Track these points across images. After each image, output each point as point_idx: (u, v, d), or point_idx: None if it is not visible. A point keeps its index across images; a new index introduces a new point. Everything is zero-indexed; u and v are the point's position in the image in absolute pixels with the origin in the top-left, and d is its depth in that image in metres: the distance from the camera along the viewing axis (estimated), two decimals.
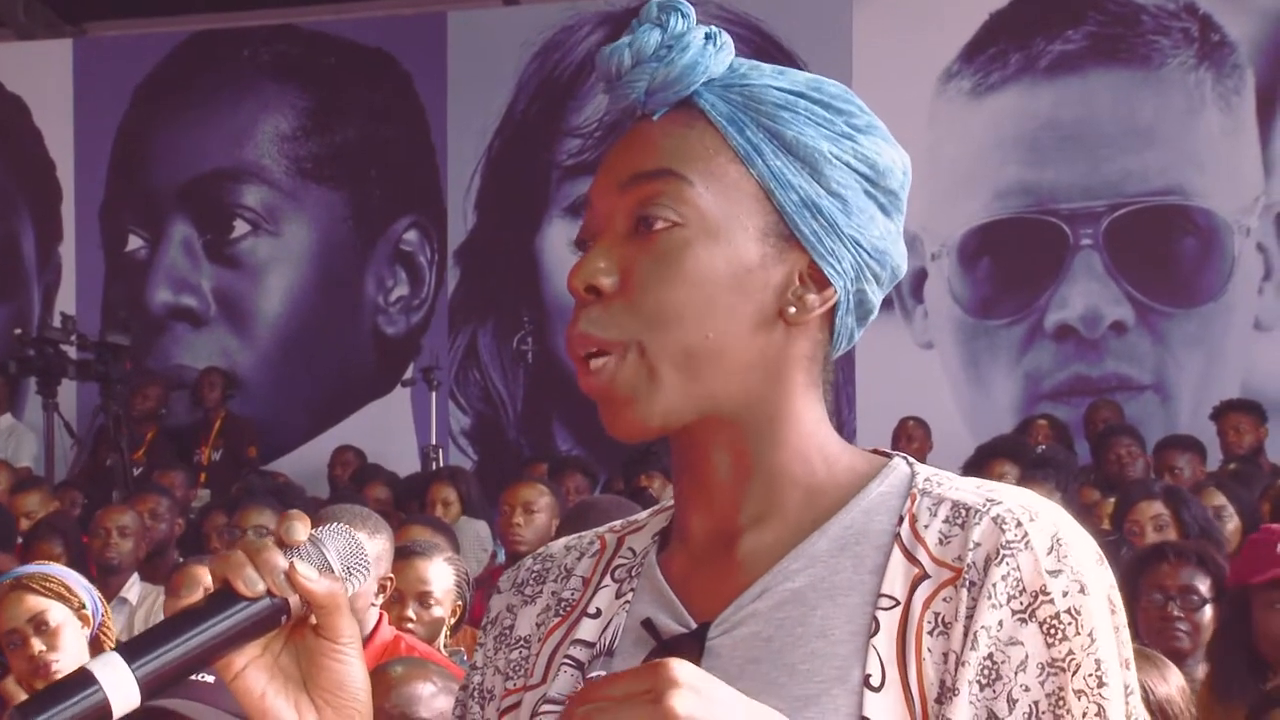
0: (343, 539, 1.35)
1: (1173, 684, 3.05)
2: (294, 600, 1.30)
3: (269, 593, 1.29)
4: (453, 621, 4.92)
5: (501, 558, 7.29)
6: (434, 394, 10.83)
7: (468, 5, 12.00)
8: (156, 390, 11.09)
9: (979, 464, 7.20)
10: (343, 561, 1.34)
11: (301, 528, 1.32)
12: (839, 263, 1.36)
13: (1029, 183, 10.79)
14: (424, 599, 4.81)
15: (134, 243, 12.34)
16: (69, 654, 4.12)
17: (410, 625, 4.74)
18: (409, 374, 11.39)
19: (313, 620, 1.33)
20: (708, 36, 1.37)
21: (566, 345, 1.37)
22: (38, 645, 4.12)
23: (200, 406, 11.31)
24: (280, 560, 1.30)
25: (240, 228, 12.13)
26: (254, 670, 1.33)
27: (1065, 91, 10.75)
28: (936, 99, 10.80)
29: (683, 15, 1.37)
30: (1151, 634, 4.39)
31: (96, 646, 4.23)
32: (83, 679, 1.25)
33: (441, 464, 10.19)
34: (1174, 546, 4.64)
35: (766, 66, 1.39)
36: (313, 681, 1.34)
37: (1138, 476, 7.88)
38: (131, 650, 1.27)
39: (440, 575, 4.87)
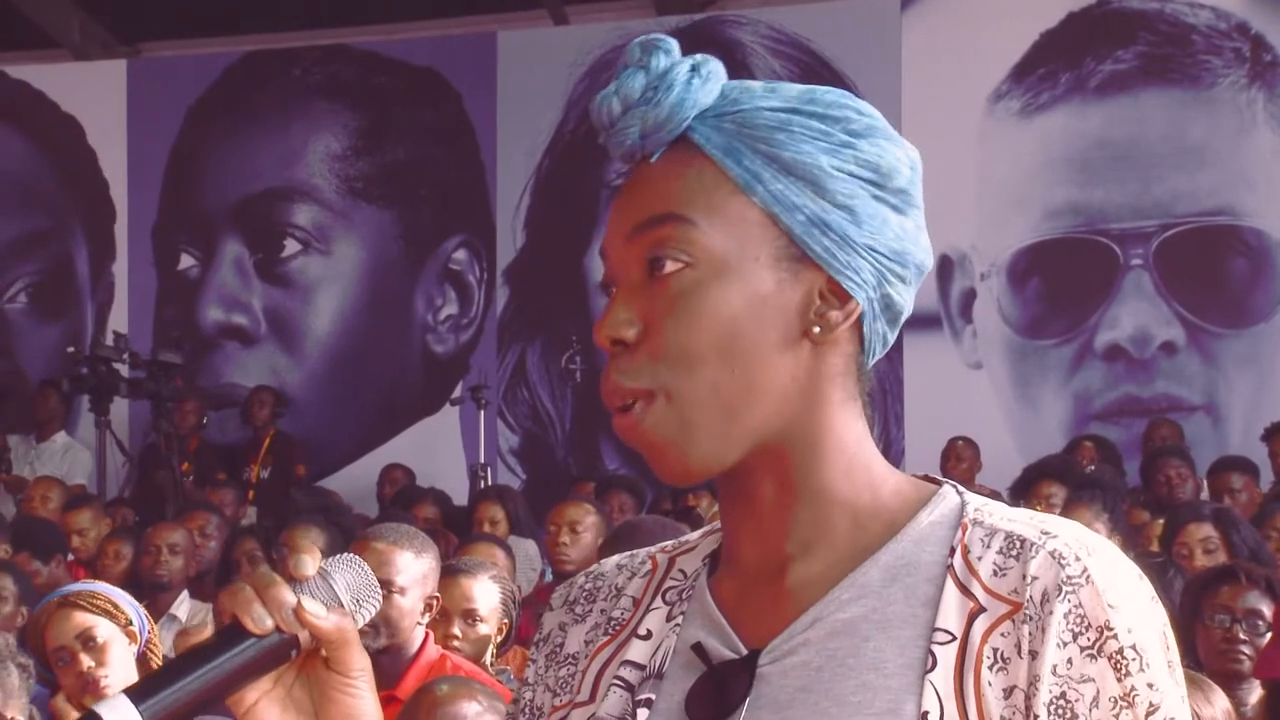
0: (352, 571, 1.35)
1: (1218, 707, 3.04)
2: (303, 635, 1.31)
3: (278, 628, 1.30)
4: (499, 640, 4.92)
5: (550, 577, 7.29)
6: (482, 413, 10.85)
7: (518, 25, 12.04)
8: (195, 406, 11.14)
9: (1027, 484, 7.17)
10: (352, 594, 1.34)
11: (309, 562, 1.33)
12: (857, 274, 1.35)
13: (1079, 203, 10.75)
14: (469, 617, 4.82)
15: (186, 261, 12.41)
16: (117, 670, 4.15)
17: (456, 643, 4.74)
18: (457, 393, 11.41)
19: (323, 654, 1.33)
20: (693, 69, 1.36)
21: (604, 398, 1.36)
22: (86, 661, 4.15)
23: (250, 425, 11.35)
24: (288, 596, 1.30)
25: (291, 247, 12.19)
26: (266, 704, 1.34)
27: (1115, 111, 10.72)
28: (986, 119, 10.78)
29: (665, 52, 1.36)
30: (1213, 655, 4.34)
31: (143, 663, 4.27)
32: None
33: (489, 483, 10.20)
34: (1244, 568, 4.58)
35: (756, 86, 1.38)
36: (324, 714, 1.34)
37: (1187, 498, 7.84)
38: (140, 692, 1.27)
39: (486, 593, 4.87)
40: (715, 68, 1.38)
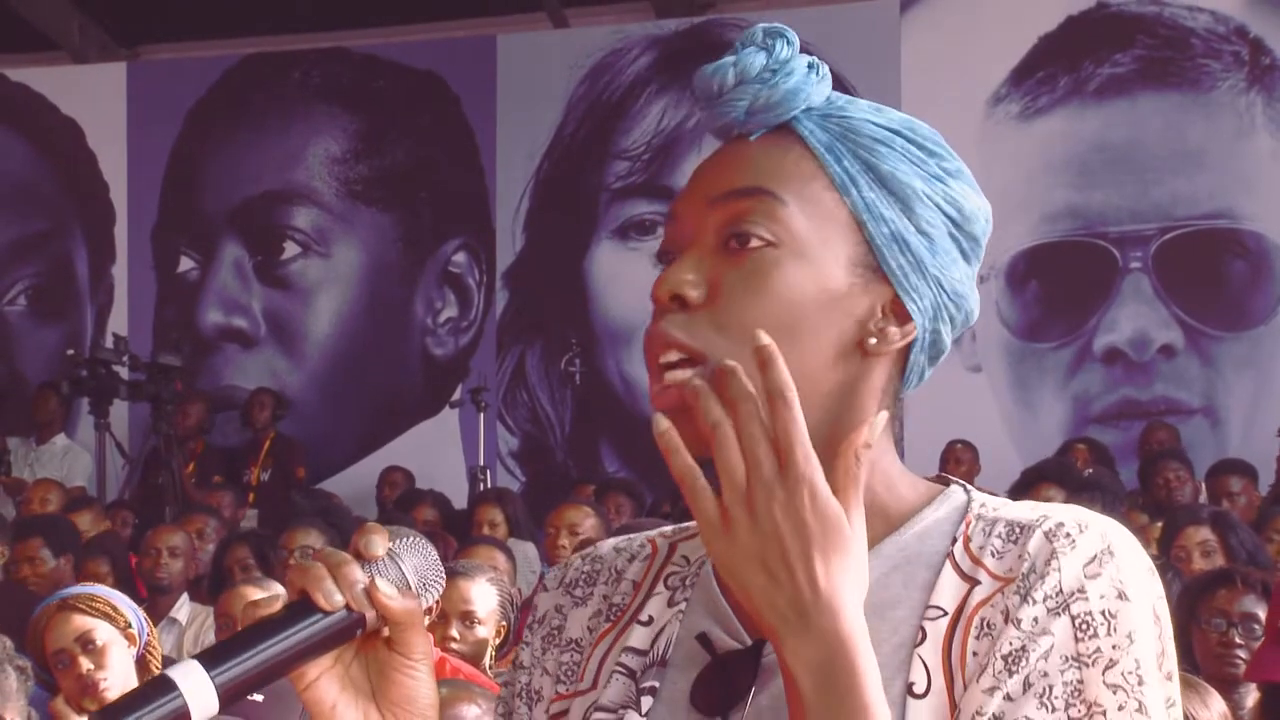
0: (419, 554, 1.36)
1: (1214, 710, 3.04)
2: (370, 615, 1.32)
3: (347, 606, 1.31)
4: (497, 643, 4.93)
5: None
6: (482, 415, 10.86)
7: (517, 28, 12.04)
8: (198, 408, 11.16)
9: (1025, 487, 7.16)
10: (419, 576, 1.35)
11: (380, 542, 1.33)
12: (921, 300, 1.37)
13: (1078, 206, 10.76)
14: (467, 619, 4.82)
15: (185, 264, 12.42)
16: (116, 673, 4.16)
17: (454, 645, 4.75)
18: (457, 395, 11.41)
19: (385, 634, 1.34)
20: (810, 66, 1.38)
21: (646, 344, 1.36)
22: (85, 664, 4.16)
23: (250, 427, 11.36)
24: (360, 575, 1.31)
25: (290, 249, 12.20)
26: (326, 681, 1.34)
27: (1114, 115, 10.72)
28: (985, 122, 10.78)
29: (788, 43, 1.38)
30: (1208, 659, 4.34)
31: (143, 666, 4.27)
32: (163, 685, 1.27)
33: (489, 485, 10.21)
34: (1240, 573, 4.58)
35: (863, 102, 1.40)
36: (383, 694, 1.35)
37: (1185, 501, 7.84)
38: (211, 658, 1.29)
39: (484, 595, 4.88)
40: (828, 73, 1.40)
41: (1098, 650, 1.26)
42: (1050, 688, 1.26)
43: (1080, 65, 10.77)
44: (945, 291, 1.38)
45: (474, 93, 11.90)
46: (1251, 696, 4.21)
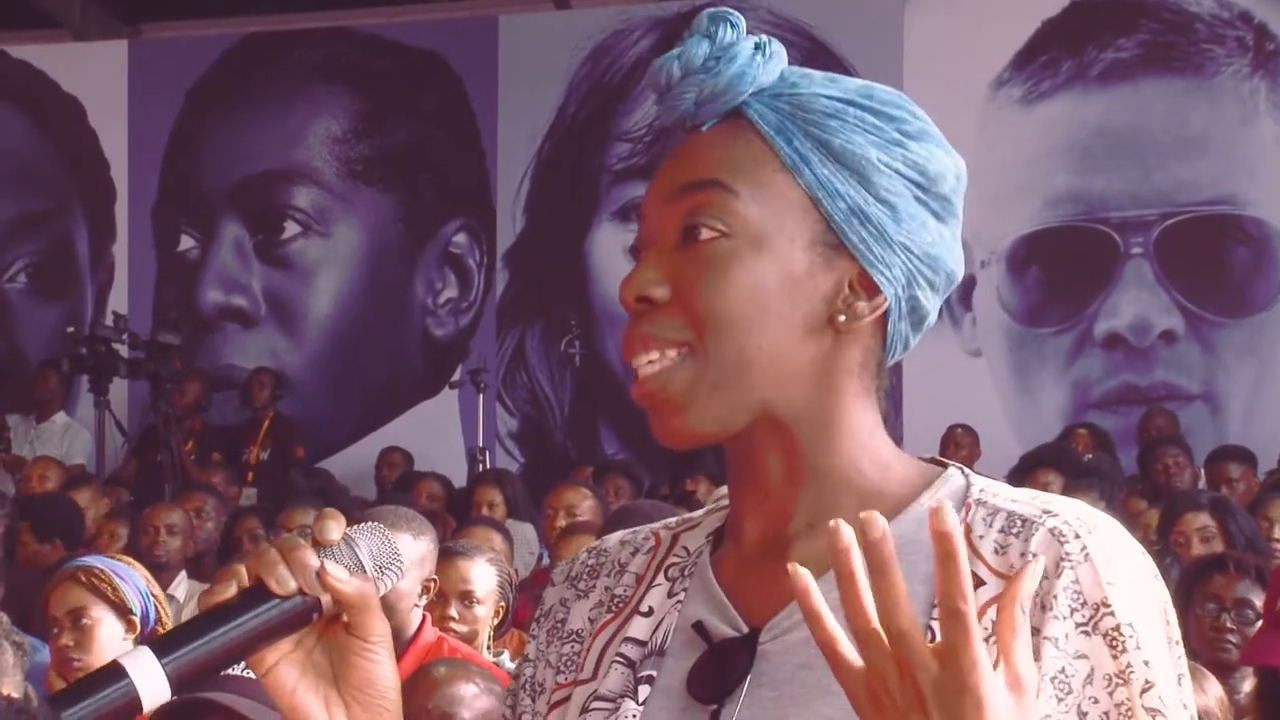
0: (376, 538, 1.36)
1: (1211, 695, 3.04)
2: (325, 599, 1.32)
3: (301, 591, 1.31)
4: (495, 623, 4.93)
5: (547, 560, 7.30)
6: (481, 396, 10.85)
7: (519, 9, 12.03)
8: (195, 387, 11.16)
9: (1024, 472, 7.17)
10: (375, 561, 1.35)
11: (335, 527, 1.34)
12: (889, 270, 1.36)
13: (1079, 191, 10.75)
14: (466, 599, 4.82)
15: (186, 243, 12.41)
16: (95, 655, 4.13)
17: (452, 625, 4.75)
18: (457, 376, 11.41)
19: (344, 618, 1.34)
20: (757, 46, 1.37)
21: (624, 348, 1.37)
22: (67, 640, 4.16)
23: (249, 406, 11.36)
24: (313, 559, 1.31)
25: (291, 229, 12.18)
26: (286, 666, 1.34)
27: (1117, 100, 10.71)
28: (987, 106, 10.77)
29: (732, 25, 1.37)
30: (1202, 643, 4.34)
31: None
32: (113, 672, 1.27)
33: (488, 466, 10.21)
34: (1234, 558, 4.58)
35: (817, 75, 1.39)
36: (343, 678, 1.35)
37: (1185, 487, 7.84)
38: (163, 645, 1.29)
39: (483, 575, 4.87)
40: (778, 49, 1.39)
41: (1129, 666, 1.26)
42: (1106, 714, 1.26)
43: (1083, 50, 10.75)
44: (916, 256, 1.37)
45: (476, 73, 11.88)
46: (1248, 681, 4.21)
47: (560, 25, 11.79)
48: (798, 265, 1.35)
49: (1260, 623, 4.10)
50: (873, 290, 1.36)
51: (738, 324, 1.33)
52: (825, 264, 1.35)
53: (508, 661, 4.90)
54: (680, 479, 8.32)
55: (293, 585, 1.31)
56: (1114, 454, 9.13)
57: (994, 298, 10.71)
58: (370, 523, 1.38)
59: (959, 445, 9.50)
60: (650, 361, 1.35)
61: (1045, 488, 6.82)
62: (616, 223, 11.42)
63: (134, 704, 1.27)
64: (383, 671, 1.35)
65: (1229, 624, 4.31)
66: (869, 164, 1.35)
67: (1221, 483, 7.98)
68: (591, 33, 11.59)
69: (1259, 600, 4.28)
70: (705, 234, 1.34)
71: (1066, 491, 6.37)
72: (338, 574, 1.32)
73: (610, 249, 11.38)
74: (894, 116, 1.37)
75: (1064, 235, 10.74)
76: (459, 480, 9.81)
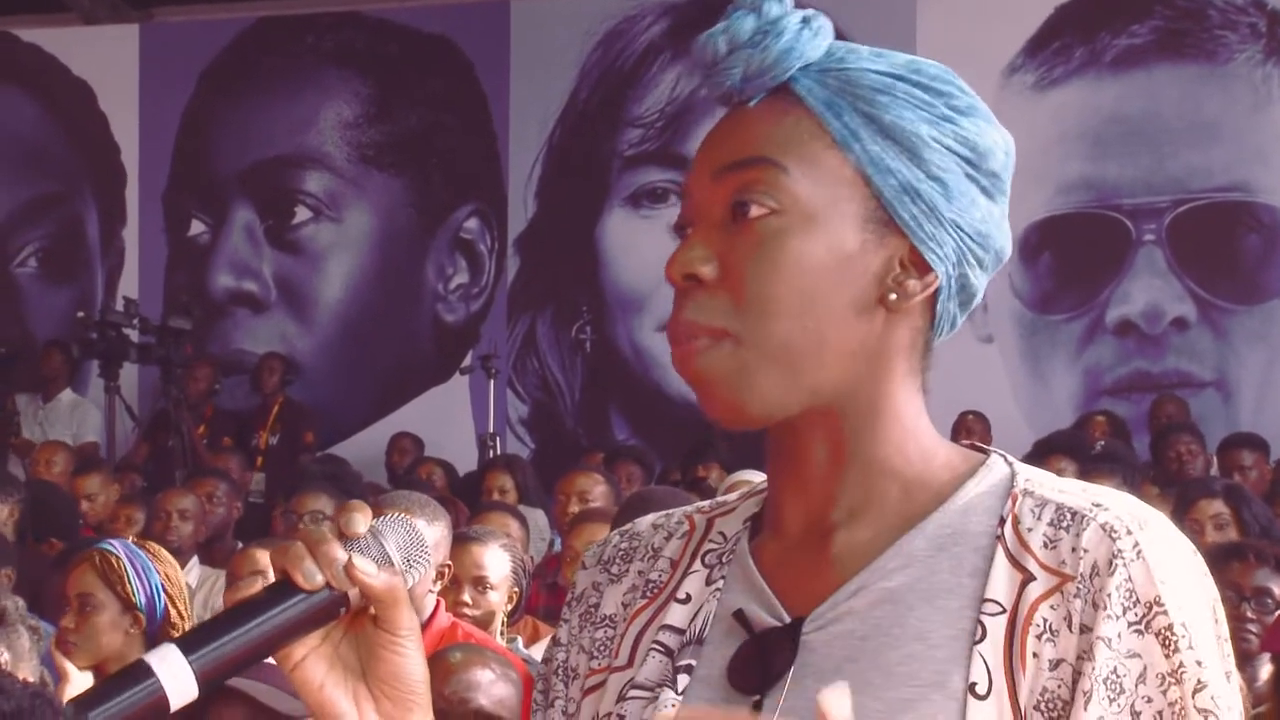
0: (402, 531, 1.34)
1: None
2: (353, 593, 1.30)
3: (328, 585, 1.29)
4: (509, 609, 4.92)
5: (558, 547, 7.30)
6: (492, 382, 10.85)
7: None
8: (207, 371, 11.16)
9: (1037, 459, 7.16)
10: (402, 554, 1.33)
11: (361, 520, 1.31)
12: (940, 247, 1.34)
13: (1092, 178, 10.73)
14: (480, 584, 4.81)
15: (196, 227, 12.40)
16: (91, 642, 4.15)
17: (466, 610, 4.74)
18: (467, 362, 11.41)
19: (372, 611, 1.32)
20: (804, 21, 1.35)
21: (670, 333, 1.35)
22: (68, 622, 4.19)
23: (259, 391, 11.35)
24: (339, 553, 1.29)
25: (302, 214, 12.18)
26: (313, 660, 1.32)
27: (1130, 86, 10.68)
28: (1000, 92, 10.74)
29: (779, 1, 1.35)
30: None
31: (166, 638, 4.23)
32: (140, 671, 1.25)
33: (499, 452, 10.21)
34: (1254, 547, 4.56)
35: (864, 50, 1.37)
36: (371, 672, 1.33)
37: (1197, 474, 7.83)
38: (189, 643, 1.27)
39: (496, 561, 4.86)
40: (826, 24, 1.36)
41: (1181, 665, 1.25)
42: (1160, 713, 1.25)
43: (1096, 36, 10.73)
44: (966, 234, 1.35)
45: (487, 58, 11.86)
46: (1265, 669, 4.20)
47: (572, 10, 11.76)
48: (849, 243, 1.33)
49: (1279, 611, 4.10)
50: (924, 268, 1.35)
51: (787, 306, 1.31)
52: (876, 241, 1.33)
53: (521, 647, 4.90)
54: (692, 465, 8.32)
55: (320, 580, 1.28)
56: (1129, 442, 9.12)
57: (1006, 284, 10.69)
58: (396, 514, 1.36)
59: (970, 431, 9.47)
60: (695, 351, 1.33)
61: (1059, 474, 6.83)
62: (628, 208, 11.41)
63: (161, 703, 1.25)
64: (412, 665, 1.33)
65: (1249, 613, 4.29)
66: (919, 140, 1.33)
67: (1234, 470, 7.97)
68: (603, 18, 11.57)
69: (1279, 589, 4.27)
70: (755, 211, 1.32)
71: (1083, 478, 6.36)
72: (366, 568, 1.29)
73: (622, 234, 11.37)
74: (943, 92, 1.36)
75: (1076, 222, 10.72)
76: (470, 466, 9.81)
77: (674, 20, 11.32)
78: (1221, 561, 4.45)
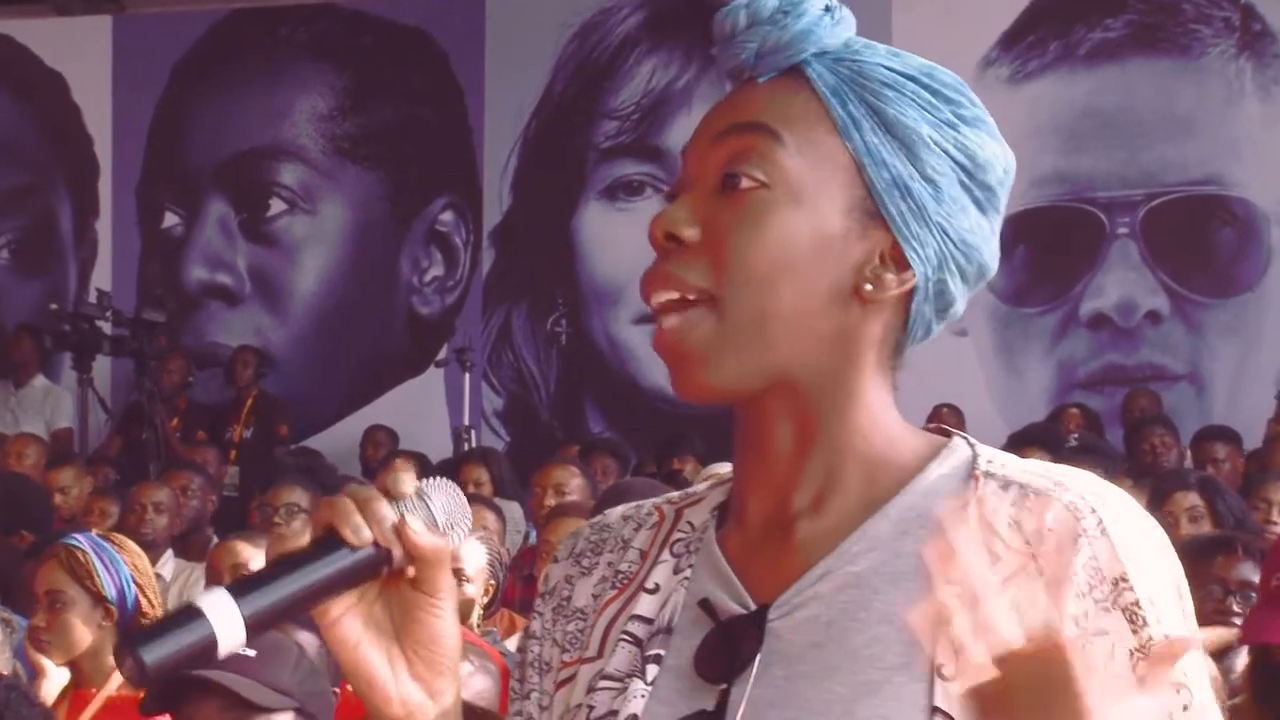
0: (447, 493, 1.35)
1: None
2: (396, 552, 1.31)
3: (374, 543, 1.30)
4: (485, 601, 4.92)
5: (534, 539, 7.29)
6: (467, 375, 10.82)
7: None
8: (180, 364, 11.13)
9: (1012, 452, 7.15)
10: (447, 516, 1.34)
11: (409, 480, 1.32)
12: (922, 248, 1.35)
13: (1066, 171, 10.75)
14: (455, 576, 4.80)
15: (170, 220, 12.37)
16: (64, 638, 4.14)
17: None
18: (442, 354, 11.39)
19: (410, 573, 1.32)
20: (826, 9, 1.37)
21: (642, 285, 1.36)
22: (39, 620, 4.17)
23: (233, 384, 11.32)
24: (389, 511, 1.30)
25: (276, 206, 12.15)
26: (350, 619, 1.33)
27: (1104, 80, 10.70)
28: (974, 86, 10.41)
29: None
30: (1204, 622, 4.30)
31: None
32: (191, 614, 1.26)
33: (474, 445, 10.20)
34: (1242, 539, 4.56)
35: (882, 47, 1.39)
36: (406, 634, 1.33)
37: (1171, 467, 7.85)
38: (239, 589, 1.28)
39: (473, 554, 4.86)
40: (847, 16, 1.39)
41: (1150, 640, 1.26)
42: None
43: (1071, 30, 10.75)
44: (951, 240, 1.36)
45: (462, 50, 11.84)
46: (1242, 660, 4.20)
47: (548, 2, 11.74)
48: (833, 227, 1.34)
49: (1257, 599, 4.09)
50: (903, 265, 1.35)
51: (763, 277, 1.32)
52: (860, 231, 1.34)
53: (498, 640, 4.90)
54: (667, 458, 8.32)
55: (368, 536, 1.29)
56: (1102, 434, 9.15)
57: None
58: (442, 478, 1.36)
59: (944, 424, 9.45)
60: (666, 312, 1.34)
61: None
62: (604, 201, 11.40)
63: (211, 647, 1.26)
64: (448, 628, 1.33)
65: (1235, 606, 4.29)
66: (919, 139, 1.34)
67: (1207, 463, 8.00)
68: (579, 10, 11.55)
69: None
70: (745, 183, 1.33)
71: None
72: (416, 527, 1.31)
73: (597, 227, 11.36)
74: (951, 99, 1.37)
75: (1050, 215, 10.73)
76: (445, 459, 9.79)
77: (650, 13, 11.31)
78: (1207, 552, 4.45)
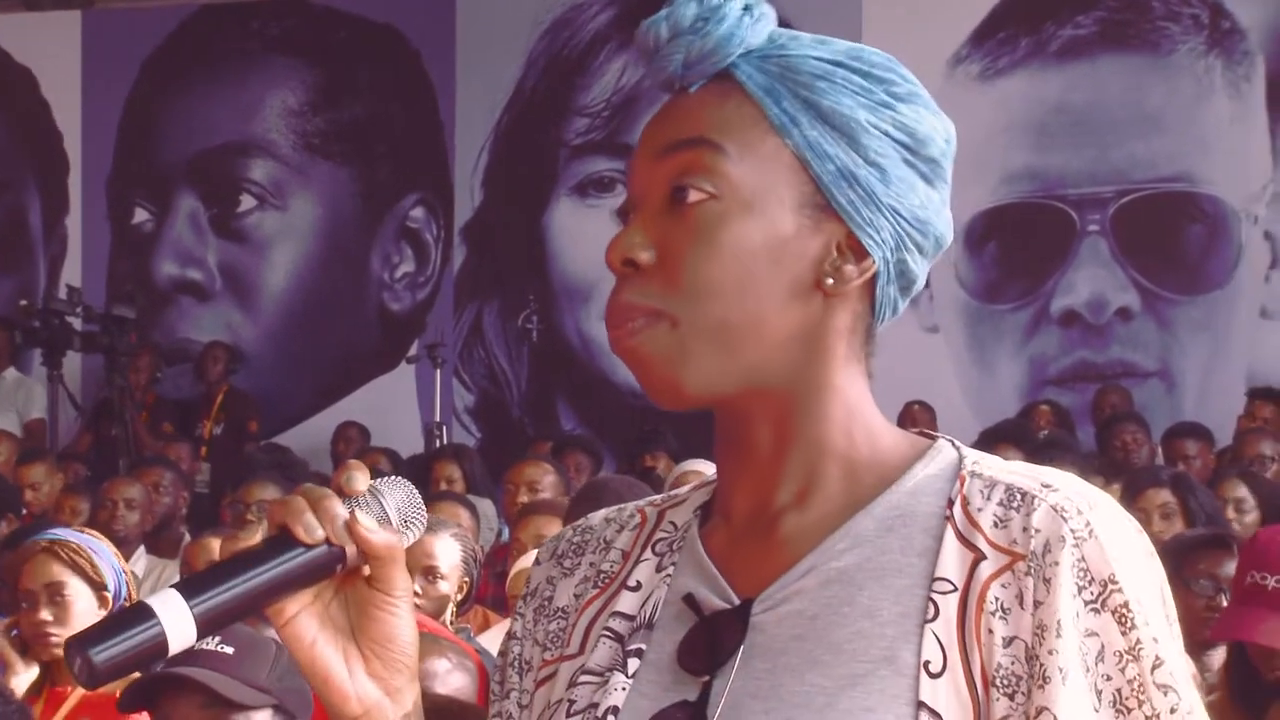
0: (402, 491, 1.35)
1: None
2: (350, 550, 1.30)
3: (327, 541, 1.30)
4: (459, 598, 4.91)
5: (506, 536, 7.29)
6: (438, 371, 10.82)
7: None
8: (146, 360, 11.10)
9: (984, 448, 7.10)
10: (401, 514, 1.34)
11: (362, 478, 1.32)
12: (877, 233, 1.35)
13: (1036, 168, 10.78)
14: (430, 574, 4.79)
15: (140, 215, 12.33)
16: (73, 630, 4.12)
17: (416, 600, 4.71)
18: (413, 351, 11.38)
19: (365, 571, 1.32)
20: (746, 8, 1.36)
21: (607, 316, 1.36)
22: (45, 614, 4.13)
23: (203, 380, 11.30)
24: (340, 509, 1.30)
25: (247, 202, 12.12)
26: (306, 617, 1.33)
27: (1074, 77, 10.73)
28: (945, 83, 10.76)
29: None
30: (1194, 621, 4.28)
31: None
32: (141, 613, 1.26)
33: (445, 441, 10.18)
34: (1235, 537, 4.57)
35: (806, 37, 1.38)
36: (362, 632, 1.33)
37: (1143, 464, 7.88)
38: (190, 588, 1.28)
39: (447, 551, 4.84)
40: (768, 11, 1.38)
41: (1139, 641, 1.26)
42: (1119, 691, 1.26)
43: (1041, 27, 10.78)
44: (905, 219, 1.36)
45: (433, 46, 11.83)
46: (1219, 658, 4.21)
47: None
48: (785, 227, 1.34)
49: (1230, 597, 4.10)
50: (861, 253, 1.35)
51: (722, 289, 1.32)
52: (813, 226, 1.34)
53: (471, 636, 4.89)
54: (640, 455, 8.32)
55: (320, 534, 1.29)
56: (1073, 431, 9.18)
57: (951, 274, 10.73)
58: (396, 476, 1.36)
59: (916, 421, 9.48)
60: (631, 331, 1.34)
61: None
62: (575, 197, 11.40)
63: (162, 646, 1.25)
64: (404, 626, 1.33)
65: (1224, 603, 4.28)
66: (858, 125, 1.34)
67: (1178, 459, 8.02)
68: (550, 6, 11.55)
69: None
70: (694, 196, 1.33)
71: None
72: (368, 524, 1.30)
73: (569, 224, 11.36)
74: (883, 79, 1.36)
75: (1021, 212, 10.77)
76: (416, 455, 9.78)
77: (621, 9, 11.31)
78: (1197, 549, 4.46)
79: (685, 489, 1.50)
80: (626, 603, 1.41)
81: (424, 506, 1.37)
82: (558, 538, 1.52)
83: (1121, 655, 1.26)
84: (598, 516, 1.51)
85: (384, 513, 1.33)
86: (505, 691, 1.48)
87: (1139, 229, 10.55)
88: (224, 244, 12.13)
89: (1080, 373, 10.59)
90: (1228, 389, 10.07)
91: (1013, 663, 1.27)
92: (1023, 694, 1.26)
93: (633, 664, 1.37)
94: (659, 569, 1.42)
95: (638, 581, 1.42)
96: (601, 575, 1.45)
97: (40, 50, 12.50)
